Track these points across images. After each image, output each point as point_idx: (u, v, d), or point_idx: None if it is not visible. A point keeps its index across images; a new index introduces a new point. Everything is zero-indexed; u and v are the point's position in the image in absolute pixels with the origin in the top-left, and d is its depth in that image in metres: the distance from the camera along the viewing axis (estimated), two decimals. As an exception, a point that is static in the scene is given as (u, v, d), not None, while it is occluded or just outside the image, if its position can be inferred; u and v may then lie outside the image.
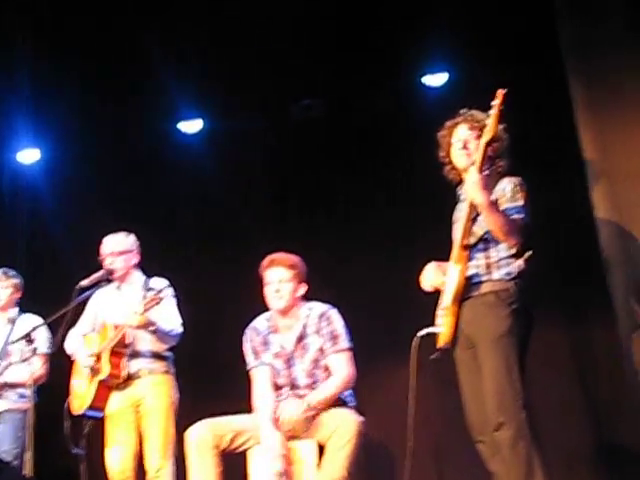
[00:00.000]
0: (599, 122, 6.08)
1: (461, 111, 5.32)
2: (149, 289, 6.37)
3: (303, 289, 5.98)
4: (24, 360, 6.36)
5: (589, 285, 6.46)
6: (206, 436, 5.63)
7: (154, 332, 6.22)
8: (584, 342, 6.87)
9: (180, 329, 6.37)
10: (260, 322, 6.05)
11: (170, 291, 6.48)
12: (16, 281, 7.22)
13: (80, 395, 6.39)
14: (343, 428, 5.47)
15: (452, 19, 6.84)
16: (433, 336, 5.19)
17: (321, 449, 5.58)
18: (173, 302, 6.45)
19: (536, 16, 6.74)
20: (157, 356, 6.40)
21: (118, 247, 6.53)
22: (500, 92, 5.04)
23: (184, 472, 5.75)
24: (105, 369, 6.23)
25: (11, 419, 6.89)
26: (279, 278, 5.94)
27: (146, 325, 6.12)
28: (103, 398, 6.32)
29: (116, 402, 6.34)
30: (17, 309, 7.16)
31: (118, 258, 6.50)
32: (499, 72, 6.69)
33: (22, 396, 6.78)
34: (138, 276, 6.60)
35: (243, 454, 5.82)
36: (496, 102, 5.03)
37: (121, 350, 6.30)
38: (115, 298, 6.56)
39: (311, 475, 5.55)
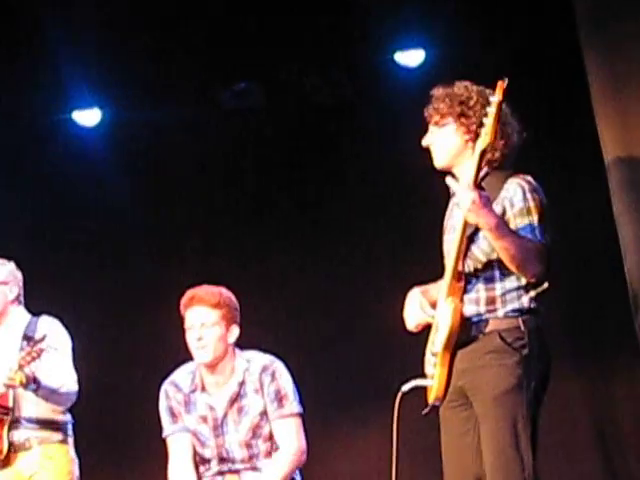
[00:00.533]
0: (625, 116, 5.81)
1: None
2: (27, 337, 6.06)
3: (235, 334, 5.57)
4: None
5: (612, 325, 6.32)
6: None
7: (37, 392, 5.75)
8: (606, 400, 6.72)
9: (74, 386, 5.96)
10: (182, 376, 5.66)
11: (60, 337, 6.08)
12: None
13: None
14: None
15: None
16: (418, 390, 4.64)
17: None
18: (64, 351, 6.04)
19: None
20: (49, 422, 6.04)
21: None
22: (501, 84, 4.37)
23: None
24: None
25: None
26: (201, 321, 5.53)
27: (25, 384, 5.64)
28: None
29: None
30: None
31: None
32: (491, 48, 6.75)
33: None
34: (19, 315, 6.19)
35: None
36: (496, 99, 4.39)
37: (2, 417, 5.94)
38: None
39: None
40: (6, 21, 7.53)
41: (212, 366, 5.52)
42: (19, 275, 6.18)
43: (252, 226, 7.49)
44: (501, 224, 4.36)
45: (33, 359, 5.64)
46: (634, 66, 5.80)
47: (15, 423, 5.93)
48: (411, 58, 7.11)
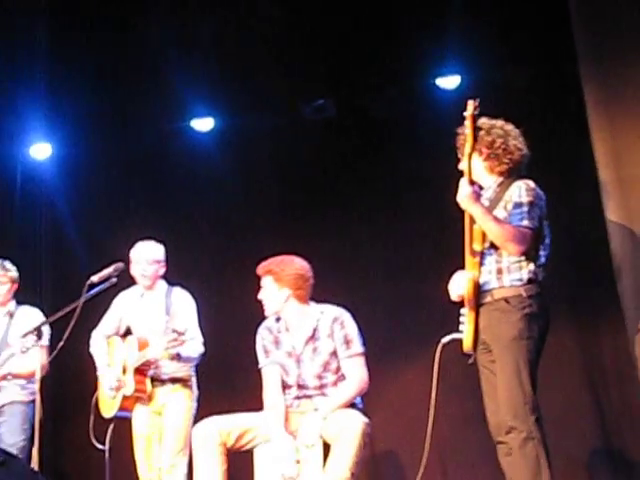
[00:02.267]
0: (613, 128, 6.04)
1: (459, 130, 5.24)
2: (176, 330, 6.26)
3: (287, 293, 5.90)
4: (24, 352, 6.44)
5: (600, 291, 6.46)
6: (212, 433, 5.63)
7: (177, 359, 6.38)
8: (594, 347, 6.88)
9: (202, 350, 6.55)
10: (272, 322, 6.03)
11: (190, 306, 6.67)
12: (13, 274, 7.13)
13: (107, 403, 6.62)
14: (349, 429, 5.46)
15: (466, 22, 6.82)
16: (455, 342, 5.17)
17: (327, 447, 5.57)
18: (194, 321, 6.59)
19: (550, 19, 6.72)
20: (179, 370, 6.57)
21: (151, 256, 6.68)
22: (470, 103, 5.02)
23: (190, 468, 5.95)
24: (130, 386, 6.43)
25: (15, 411, 6.88)
26: (262, 285, 5.97)
27: (171, 358, 6.32)
28: (129, 405, 6.53)
29: (142, 410, 6.58)
30: (14, 302, 7.16)
31: (150, 267, 6.67)
32: (511, 75, 6.97)
33: (24, 388, 6.86)
34: (162, 285, 6.74)
35: (249, 453, 5.83)
36: (467, 113, 5.01)
37: (146, 369, 6.45)
38: (140, 305, 6.72)
39: (317, 474, 5.54)
40: (134, 44, 7.76)
41: (283, 318, 5.96)
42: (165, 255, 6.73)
43: (329, 209, 7.65)
44: (485, 213, 4.95)
45: (179, 345, 6.14)
46: (621, 85, 6.06)
47: (155, 373, 6.51)
48: (449, 82, 7.28)
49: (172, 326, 6.25)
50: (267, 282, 5.93)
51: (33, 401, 6.65)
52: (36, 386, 6.19)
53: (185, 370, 6.58)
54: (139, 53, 7.72)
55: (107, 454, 6.42)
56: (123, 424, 6.60)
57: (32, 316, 6.86)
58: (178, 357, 6.33)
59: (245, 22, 7.49)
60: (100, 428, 6.47)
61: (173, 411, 6.50)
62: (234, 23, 7.52)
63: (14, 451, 6.35)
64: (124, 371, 6.51)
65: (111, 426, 6.48)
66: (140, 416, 6.59)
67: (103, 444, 6.43)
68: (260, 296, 5.95)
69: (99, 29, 7.72)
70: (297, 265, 5.94)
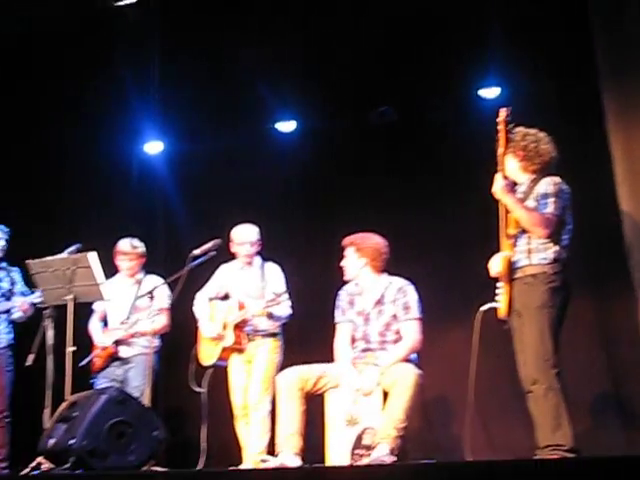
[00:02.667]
0: (627, 131, 6.07)
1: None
2: (275, 293, 6.54)
3: (364, 261, 6.07)
4: (150, 314, 6.78)
5: (613, 267, 6.45)
6: (293, 379, 5.80)
7: (269, 318, 6.65)
8: (607, 314, 6.87)
9: (289, 312, 6.75)
10: (350, 286, 6.21)
11: (279, 276, 6.85)
12: (141, 250, 7.30)
13: (207, 353, 6.77)
14: (404, 379, 5.57)
15: (504, 43, 6.83)
16: (492, 310, 5.32)
17: (385, 395, 5.69)
18: (283, 288, 6.72)
19: (575, 38, 6.70)
20: (269, 328, 6.76)
21: (250, 238, 6.88)
22: (501, 111, 5.26)
23: (274, 410, 6.05)
24: (230, 338, 6.66)
25: (140, 362, 7.05)
26: (345, 255, 6.16)
27: (266, 316, 6.60)
28: (226, 355, 6.75)
29: (236, 360, 6.77)
30: (143, 272, 7.33)
31: (249, 247, 6.87)
32: (539, 87, 6.87)
33: (148, 342, 7.00)
34: (257, 260, 6.94)
35: (321, 397, 5.93)
36: (499, 119, 5.25)
37: (243, 325, 6.67)
38: (239, 276, 6.93)
39: (376, 417, 5.66)
40: (230, 59, 7.87)
41: (359, 283, 6.12)
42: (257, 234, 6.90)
43: (398, 196, 7.56)
44: (516, 202, 5.16)
45: (275, 304, 6.48)
46: (636, 94, 6.12)
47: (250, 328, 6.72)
48: (490, 93, 7.22)
49: (267, 292, 6.50)
50: (349, 252, 6.12)
51: (154, 353, 6.95)
52: (155, 341, 6.76)
53: (274, 327, 6.76)
54: (234, 66, 7.82)
55: (205, 396, 6.60)
56: (218, 371, 6.77)
57: (155, 283, 6.99)
58: (271, 316, 6.60)
59: (322, 43, 7.53)
60: (199, 375, 6.64)
61: (262, 359, 6.69)
62: (314, 44, 7.55)
63: (137, 392, 6.60)
64: (224, 327, 6.67)
65: (209, 372, 6.68)
66: (235, 365, 6.78)
67: (201, 387, 6.62)
68: (342, 263, 6.15)
69: (203, 46, 7.83)
70: (375, 240, 6.12)
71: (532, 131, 5.37)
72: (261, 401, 6.58)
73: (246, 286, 6.82)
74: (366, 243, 6.10)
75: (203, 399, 6.60)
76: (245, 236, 6.86)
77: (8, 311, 7.33)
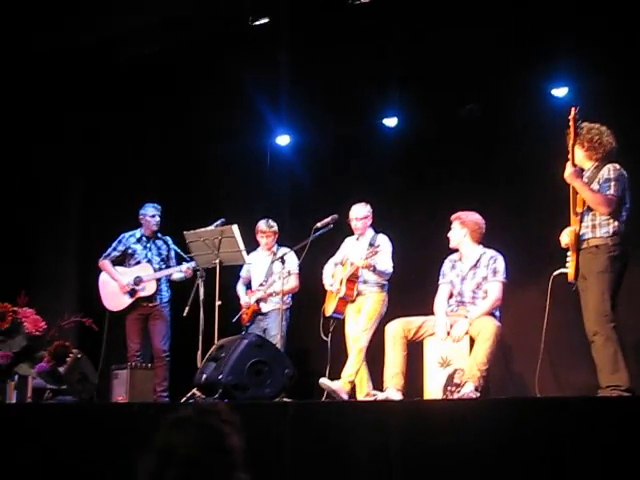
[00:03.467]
0: None
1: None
2: (371, 244, 6.74)
3: (466, 231, 6.18)
4: (282, 276, 6.89)
5: None
6: (398, 329, 5.97)
7: (373, 271, 6.65)
8: None
9: (390, 270, 6.74)
10: (454, 255, 6.34)
11: (387, 244, 6.82)
12: (275, 228, 7.49)
13: (329, 306, 6.89)
14: (487, 329, 5.70)
15: (572, 45, 6.72)
16: (562, 275, 5.32)
17: (472, 342, 5.80)
18: (388, 252, 6.78)
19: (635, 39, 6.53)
20: (375, 282, 6.79)
21: (359, 214, 6.92)
22: (572, 109, 5.24)
23: (382, 353, 6.06)
24: (342, 290, 6.74)
25: (275, 315, 7.25)
26: (452, 227, 6.27)
27: (367, 267, 6.60)
28: (341, 307, 6.81)
29: (350, 311, 6.84)
30: (276, 245, 7.54)
31: (361, 221, 6.92)
32: (605, 86, 6.69)
33: (282, 301, 7.04)
34: (370, 232, 6.98)
35: (420, 343, 6.05)
36: (570, 116, 5.22)
37: (354, 279, 6.75)
38: (355, 245, 7.02)
39: (464, 360, 5.76)
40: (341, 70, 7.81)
41: (458, 250, 6.27)
42: (371, 211, 6.94)
43: (484, 183, 7.33)
44: (583, 185, 5.16)
45: (372, 255, 6.52)
46: None
47: (360, 282, 6.78)
48: (560, 92, 7.05)
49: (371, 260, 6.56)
50: (455, 225, 6.26)
51: (287, 309, 7.10)
52: (287, 299, 6.91)
53: (380, 280, 6.76)
54: (349, 72, 7.73)
55: (329, 344, 6.72)
56: (338, 325, 6.86)
57: (284, 251, 7.15)
58: (373, 269, 6.60)
59: (421, 53, 7.45)
60: (327, 326, 6.77)
61: (368, 304, 6.72)
62: (413, 53, 7.45)
63: (274, 339, 6.75)
64: (340, 283, 6.79)
65: (332, 324, 6.79)
66: (349, 316, 6.84)
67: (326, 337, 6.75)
68: (449, 234, 6.27)
69: (323, 55, 7.79)
70: (476, 216, 6.27)
71: (596, 125, 5.34)
72: (361, 337, 6.57)
73: (359, 252, 6.86)
74: (469, 218, 6.24)
75: (328, 346, 6.69)
76: (355, 213, 6.92)
77: (170, 274, 7.65)
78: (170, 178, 8.84)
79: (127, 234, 7.73)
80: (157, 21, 7.59)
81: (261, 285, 7.40)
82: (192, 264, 7.31)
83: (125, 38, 7.95)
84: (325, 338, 6.74)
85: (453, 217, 6.30)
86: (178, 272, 7.58)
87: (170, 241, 7.72)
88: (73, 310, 7.36)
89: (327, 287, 6.96)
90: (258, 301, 7.39)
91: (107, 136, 8.78)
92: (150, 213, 7.66)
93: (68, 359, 6.46)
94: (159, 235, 7.75)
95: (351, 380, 6.46)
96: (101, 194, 8.78)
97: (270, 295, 7.35)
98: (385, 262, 6.72)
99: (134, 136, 8.80)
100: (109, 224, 8.36)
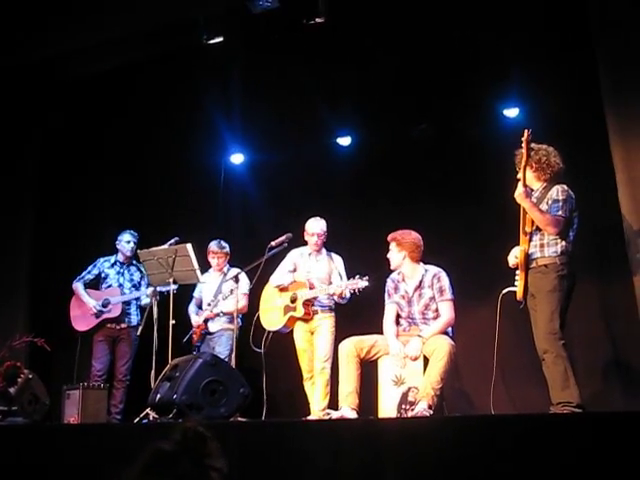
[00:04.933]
0: (625, 141, 5.98)
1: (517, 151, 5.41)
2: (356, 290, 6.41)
3: (404, 254, 6.09)
4: (225, 298, 6.95)
5: (615, 258, 6.40)
6: (351, 348, 5.93)
7: (341, 301, 6.60)
8: (609, 295, 6.79)
9: (349, 296, 6.56)
10: (395, 274, 6.26)
11: (342, 266, 6.79)
12: (227, 250, 7.46)
13: (274, 320, 6.78)
14: (440, 348, 5.69)
15: (523, 69, 6.80)
16: (511, 293, 5.38)
17: (426, 360, 5.80)
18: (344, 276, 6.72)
19: (580, 64, 6.62)
20: (328, 305, 6.73)
21: (320, 229, 6.82)
22: (525, 132, 5.25)
23: (336, 372, 6.08)
24: (300, 310, 6.62)
25: (224, 335, 7.23)
26: (390, 248, 6.19)
27: (341, 297, 6.52)
28: (291, 324, 6.75)
29: (301, 329, 6.74)
30: (227, 265, 7.48)
31: (320, 237, 6.80)
32: (552, 106, 6.80)
33: (229, 321, 7.13)
34: (323, 250, 6.89)
35: (374, 362, 6.03)
36: (523, 138, 5.24)
37: (312, 301, 6.67)
38: (308, 262, 6.87)
39: (418, 378, 5.76)
40: (294, 89, 7.77)
41: (399, 271, 6.17)
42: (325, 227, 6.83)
43: (432, 199, 7.45)
44: (532, 206, 5.18)
45: (355, 287, 6.26)
46: (634, 110, 5.99)
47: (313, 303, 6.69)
48: (512, 112, 7.17)
49: (333, 277, 6.53)
50: (392, 246, 6.18)
51: (238, 329, 6.89)
52: (237, 319, 6.71)
53: (332, 303, 6.69)
54: (301, 92, 7.75)
55: (262, 355, 6.59)
56: (276, 335, 6.76)
57: (235, 271, 6.98)
58: (342, 297, 6.52)
59: (372, 72, 7.51)
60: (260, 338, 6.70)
61: (324, 331, 6.63)
62: (366, 72, 7.52)
63: (222, 357, 6.69)
64: (292, 300, 6.66)
65: (269, 336, 6.70)
66: (299, 333, 6.75)
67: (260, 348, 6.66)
68: (388, 255, 6.18)
69: (276, 77, 7.82)
70: (413, 236, 6.17)
71: (543, 146, 5.42)
72: (325, 367, 6.55)
73: (316, 271, 6.79)
74: (406, 239, 6.14)
75: (262, 358, 6.60)
76: (314, 227, 6.82)
77: (138, 298, 7.67)
78: (123, 196, 8.79)
79: (102, 259, 7.83)
80: (113, 39, 7.51)
81: (209, 305, 7.34)
82: (159, 288, 7.22)
83: (78, 56, 7.84)
84: (258, 350, 6.66)
85: (390, 238, 6.21)
86: (144, 296, 7.60)
87: (144, 268, 7.59)
88: (24, 330, 7.35)
89: (276, 283, 6.84)
90: (206, 321, 7.33)
91: (60, 154, 8.70)
92: (125, 239, 7.74)
93: (19, 380, 6.40)
94: (134, 262, 7.78)
95: (324, 408, 6.44)
96: (53, 212, 8.66)
97: (217, 315, 7.28)
98: (347, 291, 6.60)
99: (87, 154, 8.72)
100: (61, 243, 8.30)
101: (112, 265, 7.79)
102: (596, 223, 6.32)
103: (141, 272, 7.72)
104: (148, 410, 5.91)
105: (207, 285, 7.45)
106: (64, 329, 7.66)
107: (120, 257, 7.79)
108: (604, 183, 6.20)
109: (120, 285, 7.72)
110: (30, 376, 6.49)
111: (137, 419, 6.00)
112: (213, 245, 7.46)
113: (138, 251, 7.09)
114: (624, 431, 3.80)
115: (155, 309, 6.84)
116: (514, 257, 5.37)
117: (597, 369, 6.60)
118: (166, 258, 6.77)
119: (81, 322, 7.62)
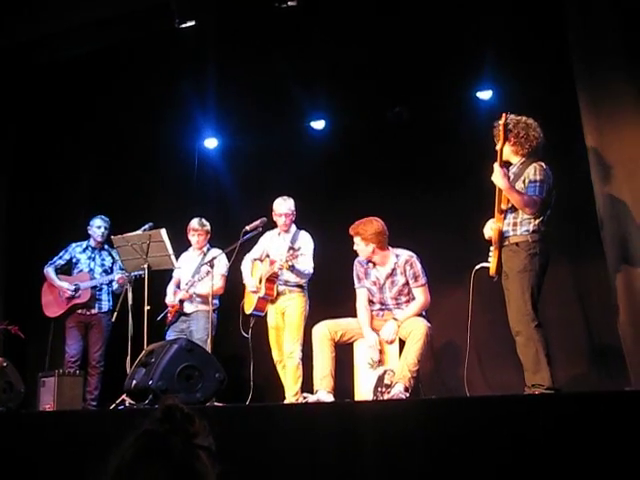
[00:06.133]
0: (598, 124, 5.95)
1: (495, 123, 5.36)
2: (291, 243, 6.65)
3: (372, 246, 6.06)
4: (201, 280, 6.93)
5: (588, 237, 6.41)
6: (325, 331, 5.97)
7: (292, 270, 6.51)
8: (583, 276, 6.88)
9: (310, 270, 6.65)
10: (362, 259, 6.22)
11: (308, 243, 6.74)
12: (207, 227, 7.35)
13: (248, 302, 6.80)
14: (417, 330, 5.75)
15: (497, 52, 6.82)
16: (484, 269, 5.39)
17: (402, 344, 5.82)
18: (309, 252, 6.69)
19: (554, 48, 6.61)
20: (295, 283, 6.70)
21: (284, 209, 6.81)
22: (503, 115, 5.22)
23: (311, 356, 6.07)
24: (262, 290, 6.64)
25: (199, 317, 7.14)
26: (355, 242, 6.16)
27: (288, 268, 6.45)
28: (262, 306, 6.75)
29: (271, 313, 6.76)
30: (208, 245, 7.40)
31: (284, 217, 6.80)
32: (526, 88, 6.82)
33: (205, 302, 7.05)
34: (293, 228, 6.89)
35: (350, 345, 6.08)
36: (501, 122, 5.20)
37: (273, 278, 6.67)
38: (277, 240, 6.91)
39: (394, 361, 5.80)
40: (270, 72, 7.74)
41: (371, 259, 6.12)
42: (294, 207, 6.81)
43: (403, 183, 7.54)
44: (509, 186, 5.15)
45: (293, 259, 6.38)
46: (605, 95, 5.94)
47: (280, 282, 6.67)
48: (485, 95, 7.23)
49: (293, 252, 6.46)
50: (357, 240, 6.13)
51: (214, 311, 6.95)
52: (214, 300, 6.75)
53: (300, 281, 6.67)
54: (275, 76, 7.75)
55: (249, 340, 6.68)
56: (260, 320, 6.80)
57: (215, 254, 7.04)
58: (292, 268, 6.45)
59: (348, 57, 7.49)
60: (248, 323, 6.73)
61: (292, 312, 6.63)
62: (340, 56, 7.50)
63: (200, 342, 6.56)
64: (260, 281, 6.70)
65: (252, 321, 6.73)
66: (270, 314, 6.75)
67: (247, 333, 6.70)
68: (355, 247, 6.14)
69: (249, 60, 7.79)
70: (375, 225, 6.08)
71: (522, 119, 5.35)
72: (294, 350, 6.53)
73: (280, 248, 6.80)
74: (369, 231, 6.07)
75: (249, 343, 6.67)
76: (278, 208, 6.82)
77: (110, 283, 7.65)
78: (98, 181, 8.77)
79: (74, 244, 7.79)
80: (85, 22, 7.44)
81: (185, 284, 7.26)
82: (126, 274, 7.20)
83: (52, 40, 7.77)
84: (245, 335, 6.68)
85: (352, 232, 6.15)
86: (112, 280, 7.59)
87: (117, 254, 7.54)
88: (-2, 318, 7.30)
89: (248, 288, 6.84)
90: (181, 301, 7.25)
91: (34, 138, 8.61)
92: (96, 224, 7.72)
93: (-7, 368, 6.37)
94: (106, 247, 7.77)
95: (296, 393, 6.45)
96: (27, 196, 8.58)
97: (191, 297, 7.21)
98: (305, 262, 6.63)
99: (62, 139, 8.67)
100: (35, 231, 8.29)
101: (84, 250, 7.77)
102: (569, 205, 6.32)
103: (113, 257, 7.70)
104: (124, 396, 5.91)
105: (186, 264, 7.37)
106: (38, 316, 7.65)
107: (92, 242, 7.76)
108: (577, 165, 6.23)
109: (91, 270, 7.69)
110: (4, 364, 6.47)
111: (113, 405, 6.00)
112: (194, 222, 7.36)
113: (112, 237, 7.05)
114: (595, 411, 3.83)
115: (130, 295, 6.82)
116: (489, 229, 5.37)
117: (571, 350, 6.62)
118: (140, 244, 6.75)
119: (52, 308, 7.60)
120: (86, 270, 7.67)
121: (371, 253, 6.11)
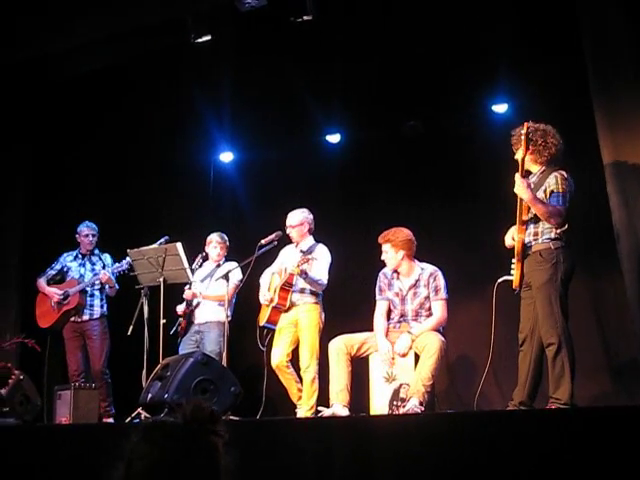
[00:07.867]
0: (614, 137, 5.89)
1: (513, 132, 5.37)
2: (304, 251, 6.58)
3: (402, 253, 6.07)
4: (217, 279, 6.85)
5: (605, 249, 6.34)
6: (341, 346, 5.95)
7: (305, 278, 6.45)
8: (599, 291, 6.82)
9: (324, 280, 6.54)
10: (388, 270, 6.23)
11: (324, 254, 6.64)
12: (227, 243, 7.32)
13: (262, 314, 6.72)
14: (431, 345, 5.71)
15: (512, 70, 6.85)
16: (507, 282, 5.34)
17: (417, 357, 5.82)
18: (324, 262, 6.60)
19: (570, 61, 6.57)
20: (310, 292, 6.59)
21: (294, 221, 6.75)
22: (525, 124, 5.22)
23: (326, 370, 6.04)
24: (275, 299, 6.57)
25: (212, 328, 7.04)
26: (384, 250, 6.16)
27: (300, 274, 6.38)
28: (275, 318, 6.63)
29: (283, 320, 6.63)
30: (223, 259, 7.34)
31: (295, 229, 6.74)
32: (541, 102, 6.81)
33: (214, 311, 7.03)
34: (309, 240, 6.80)
35: (365, 359, 6.06)
36: (523, 131, 5.19)
37: (287, 287, 6.58)
38: (293, 253, 6.81)
39: (409, 375, 5.79)
40: (285, 87, 7.83)
41: (396, 270, 6.14)
42: (310, 217, 6.76)
43: (424, 197, 7.52)
44: (533, 197, 5.13)
45: (304, 263, 6.34)
46: (621, 108, 5.89)
47: (294, 292, 6.58)
48: (500, 108, 7.21)
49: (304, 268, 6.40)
50: (387, 247, 6.14)
51: (228, 323, 6.82)
52: (227, 311, 6.69)
53: (314, 294, 6.57)
54: (292, 90, 7.78)
55: (264, 354, 6.58)
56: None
57: (229, 265, 7.04)
58: (305, 274, 6.37)
59: (363, 72, 7.52)
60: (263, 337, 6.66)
61: (305, 325, 6.52)
62: (355, 70, 7.52)
63: (213, 356, 6.48)
64: (274, 291, 6.61)
65: (266, 333, 6.63)
66: (281, 321, 6.62)
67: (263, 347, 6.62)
68: (383, 257, 6.15)
69: (266, 75, 7.82)
70: (406, 233, 6.15)
71: (541, 126, 5.31)
72: (310, 364, 6.45)
73: (291, 259, 6.71)
74: (399, 238, 6.11)
75: (264, 357, 6.59)
76: (289, 220, 6.78)
77: (101, 288, 7.59)
78: (113, 195, 8.77)
79: (66, 254, 7.78)
80: (101, 38, 7.48)
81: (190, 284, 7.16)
82: (113, 268, 7.28)
83: (68, 55, 7.80)
84: (262, 348, 6.61)
85: (381, 240, 6.17)
86: (97, 280, 7.49)
87: (108, 258, 7.65)
88: (14, 331, 7.38)
89: (261, 300, 6.74)
90: (189, 304, 7.17)
91: (50, 154, 8.65)
92: (84, 232, 7.70)
93: (10, 381, 6.40)
94: (96, 252, 7.74)
95: (311, 407, 6.39)
96: (42, 211, 8.61)
97: (195, 295, 7.11)
98: (318, 271, 6.55)
99: (77, 153, 8.71)
100: (51, 244, 8.24)
101: (74, 258, 7.75)
102: (585, 218, 6.30)
103: (103, 261, 7.68)
104: (139, 410, 5.92)
105: (199, 273, 7.32)
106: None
107: (82, 249, 7.73)
108: (593, 178, 6.19)
109: (81, 276, 7.64)
110: (21, 377, 6.50)
111: (129, 419, 6.01)
112: (215, 236, 7.32)
113: (128, 250, 7.07)
114: (610, 426, 3.82)
115: (146, 308, 6.85)
116: (511, 239, 5.34)
117: (588, 366, 6.41)
118: (156, 257, 6.79)
119: (45, 318, 7.55)
120: (76, 277, 7.63)
121: (400, 261, 6.12)
